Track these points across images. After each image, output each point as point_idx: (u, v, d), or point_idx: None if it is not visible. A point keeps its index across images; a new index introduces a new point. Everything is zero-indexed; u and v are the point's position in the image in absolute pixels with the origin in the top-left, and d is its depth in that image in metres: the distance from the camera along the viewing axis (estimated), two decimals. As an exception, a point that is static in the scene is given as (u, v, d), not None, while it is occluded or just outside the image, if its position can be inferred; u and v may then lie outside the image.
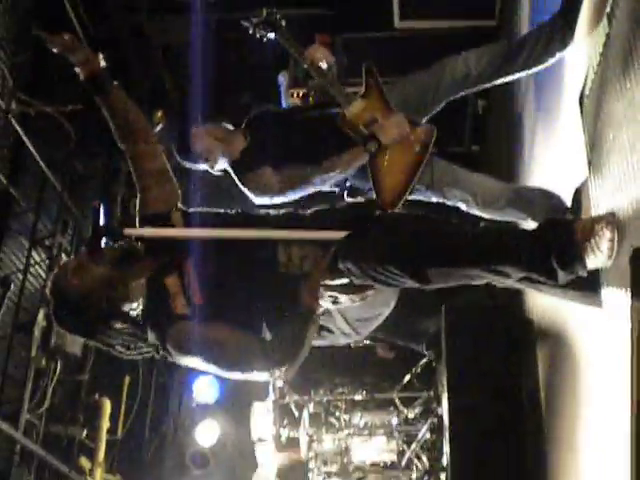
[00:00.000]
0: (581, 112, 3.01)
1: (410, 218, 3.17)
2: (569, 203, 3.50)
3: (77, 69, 3.14)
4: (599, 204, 2.68)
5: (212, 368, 2.89)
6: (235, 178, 3.98)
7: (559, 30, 3.64)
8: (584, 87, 2.96)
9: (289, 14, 6.65)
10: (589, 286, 2.63)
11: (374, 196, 3.79)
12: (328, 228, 2.96)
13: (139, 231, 3.04)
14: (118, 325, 2.90)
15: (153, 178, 3.11)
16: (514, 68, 3.88)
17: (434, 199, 3.92)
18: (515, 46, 3.87)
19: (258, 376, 2.86)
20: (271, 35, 4.03)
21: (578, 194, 3.35)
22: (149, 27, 7.26)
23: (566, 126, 3.70)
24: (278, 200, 3.89)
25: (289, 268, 2.93)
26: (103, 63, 3.14)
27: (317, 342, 3.09)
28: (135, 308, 2.89)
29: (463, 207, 3.88)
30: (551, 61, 3.76)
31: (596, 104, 2.77)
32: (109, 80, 3.16)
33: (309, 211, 3.14)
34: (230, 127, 4.03)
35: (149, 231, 3.03)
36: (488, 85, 4.04)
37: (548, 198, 3.73)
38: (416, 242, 2.72)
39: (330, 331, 3.05)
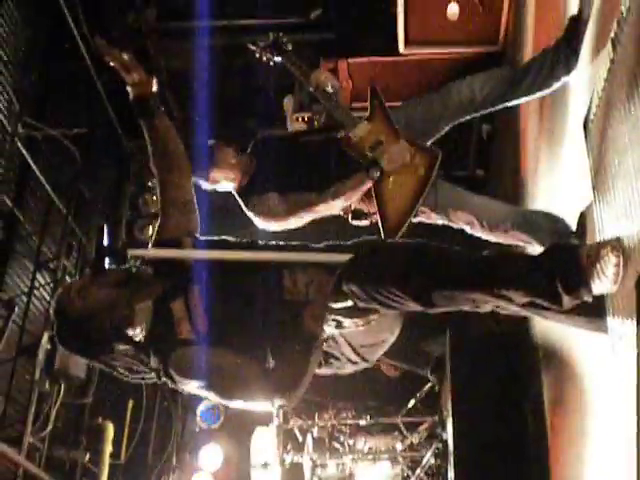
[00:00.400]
0: (586, 137, 3.01)
1: (414, 242, 3.17)
2: (574, 227, 3.50)
3: (128, 88, 3.12)
4: (604, 229, 2.68)
5: (212, 395, 2.88)
6: (240, 202, 3.98)
7: (563, 55, 3.66)
8: (589, 112, 2.96)
9: (293, 39, 6.74)
10: (594, 312, 2.62)
11: (378, 219, 3.79)
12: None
13: (143, 252, 3.04)
14: (121, 347, 2.88)
15: (177, 207, 3.11)
16: (519, 92, 3.90)
17: (439, 222, 3.92)
18: (520, 71, 3.90)
19: (260, 405, 2.85)
20: (278, 59, 4.06)
21: (583, 218, 3.35)
22: (155, 51, 7.29)
23: (571, 150, 3.70)
24: (282, 226, 3.89)
25: (294, 295, 2.92)
26: (155, 87, 3.12)
27: (323, 371, 3.08)
28: (139, 332, 2.87)
29: (467, 229, 3.88)
30: (555, 86, 3.78)
31: (601, 128, 2.77)
32: (157, 105, 3.14)
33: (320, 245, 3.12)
34: (237, 150, 4.04)
35: (152, 252, 3.03)
36: (493, 109, 4.06)
37: (553, 222, 3.72)
38: (420, 265, 2.72)
39: (336, 358, 3.04)
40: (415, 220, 3.81)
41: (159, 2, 7.14)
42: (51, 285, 6.63)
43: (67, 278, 6.67)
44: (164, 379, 2.91)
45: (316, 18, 6.80)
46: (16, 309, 5.92)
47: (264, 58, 4.11)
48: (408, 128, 3.89)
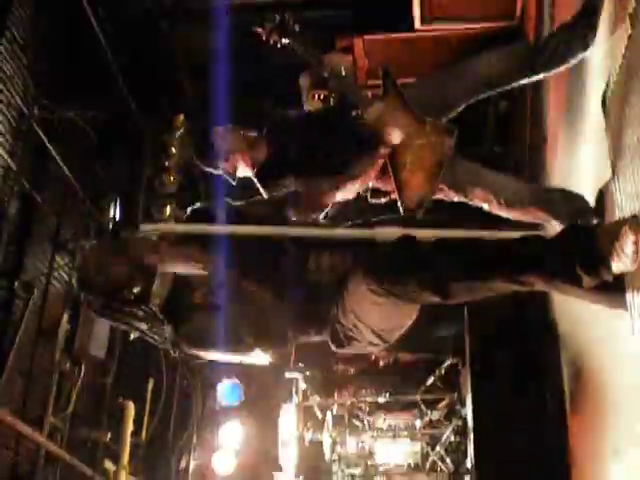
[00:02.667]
0: (604, 113, 2.98)
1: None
2: (592, 204, 3.47)
3: None
4: (623, 206, 2.66)
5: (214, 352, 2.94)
6: (258, 186, 3.96)
7: (581, 31, 3.62)
8: (607, 88, 2.94)
9: (307, 16, 6.70)
10: (614, 289, 2.61)
11: (397, 197, 3.77)
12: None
13: (155, 226, 3.05)
14: (139, 313, 2.94)
15: None
16: (536, 69, 3.87)
17: (456, 199, 3.90)
18: (537, 47, 3.86)
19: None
20: (285, 41, 4.01)
21: (601, 195, 3.32)
22: (171, 32, 7.26)
23: (589, 127, 3.67)
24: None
25: (317, 276, 2.94)
26: None
27: (345, 350, 3.11)
28: (157, 302, 2.92)
29: (485, 207, 3.86)
30: (573, 62, 3.74)
31: (619, 106, 2.74)
32: None
33: None
34: (254, 133, 4.00)
35: (165, 227, 3.04)
36: (509, 86, 4.02)
37: (571, 199, 3.70)
38: (438, 258, 2.71)
39: (358, 341, 3.05)
40: (433, 198, 3.79)
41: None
42: (70, 266, 6.65)
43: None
44: (174, 339, 2.96)
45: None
46: (35, 291, 5.96)
47: (271, 40, 4.06)
48: (423, 107, 3.86)
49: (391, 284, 2.67)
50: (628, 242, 2.36)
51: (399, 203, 3.75)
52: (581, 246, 2.47)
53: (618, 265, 2.42)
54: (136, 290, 2.92)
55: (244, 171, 3.97)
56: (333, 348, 3.11)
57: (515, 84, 4.03)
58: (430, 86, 4.04)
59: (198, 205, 4.07)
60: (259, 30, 4.05)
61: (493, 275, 2.61)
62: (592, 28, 3.55)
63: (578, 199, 3.66)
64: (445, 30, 5.97)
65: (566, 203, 3.68)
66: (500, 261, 2.63)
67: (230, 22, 7.29)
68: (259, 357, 2.96)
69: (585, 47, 3.64)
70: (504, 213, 3.88)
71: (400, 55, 6.19)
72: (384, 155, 3.74)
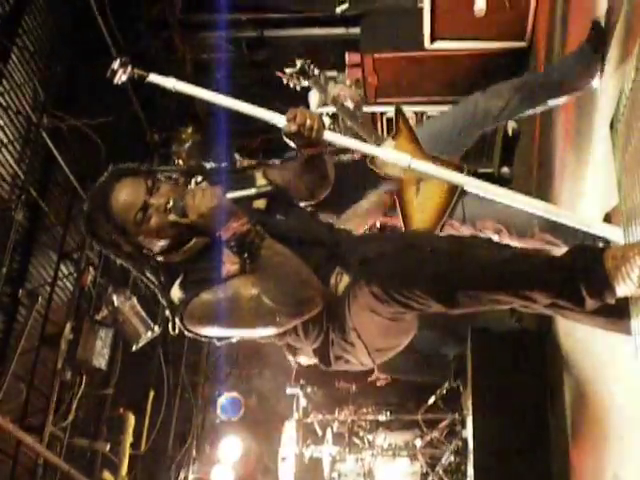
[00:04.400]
0: (612, 137, 2.98)
1: (436, 239, 3.15)
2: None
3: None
4: (630, 231, 2.65)
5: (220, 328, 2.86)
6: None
7: (589, 59, 3.63)
8: (616, 112, 2.93)
9: (318, 33, 6.73)
10: (617, 313, 2.60)
11: None
12: None
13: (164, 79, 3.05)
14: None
15: None
16: (545, 98, 3.88)
17: (466, 232, 3.90)
18: (545, 76, 3.87)
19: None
20: (305, 83, 4.09)
21: (608, 220, 3.32)
22: (180, 43, 7.31)
23: (597, 150, 3.67)
24: None
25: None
26: None
27: (335, 367, 3.08)
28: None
29: (496, 238, 3.86)
30: (581, 90, 3.75)
31: (627, 129, 2.74)
32: None
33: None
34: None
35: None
36: (520, 115, 4.05)
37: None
38: (444, 265, 2.70)
39: (348, 361, 3.03)
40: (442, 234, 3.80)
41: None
42: (74, 275, 6.66)
43: (90, 269, 6.71)
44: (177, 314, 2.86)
45: (342, 12, 6.76)
46: (39, 299, 5.96)
47: (291, 84, 4.15)
48: (435, 142, 3.89)
49: (396, 288, 2.65)
50: (634, 267, 2.35)
51: None
52: (587, 267, 2.46)
53: (623, 289, 2.40)
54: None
55: None
56: (321, 365, 3.09)
57: (526, 113, 4.07)
58: (439, 124, 4.07)
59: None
60: (280, 75, 4.15)
61: (499, 287, 2.59)
62: (600, 56, 3.56)
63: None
64: (455, 50, 5.98)
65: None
66: (507, 274, 2.62)
67: (240, 35, 7.36)
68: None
69: (592, 75, 3.65)
70: (515, 242, 3.89)
71: (409, 73, 6.21)
72: (392, 192, 3.76)
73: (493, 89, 3.93)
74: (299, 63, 4.11)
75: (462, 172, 3.74)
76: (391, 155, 3.06)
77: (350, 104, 4.07)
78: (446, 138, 3.94)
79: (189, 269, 2.84)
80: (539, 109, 4.00)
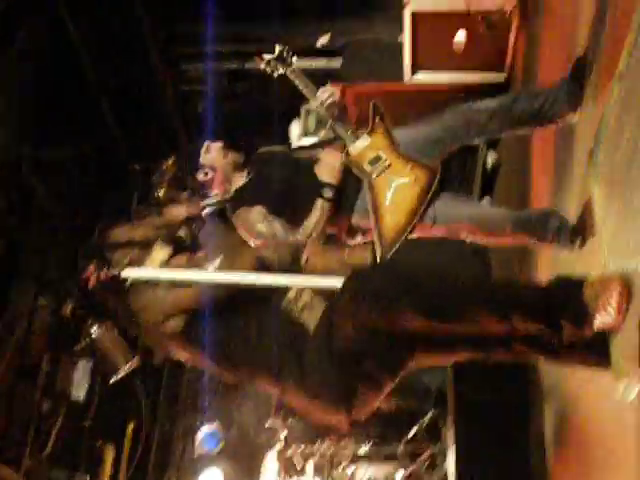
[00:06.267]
0: (590, 169, 3.01)
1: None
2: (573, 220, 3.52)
3: None
4: (609, 264, 2.66)
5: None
6: (228, 208, 3.99)
7: (568, 93, 3.66)
8: (596, 142, 2.96)
9: (298, 65, 6.74)
10: (597, 350, 2.60)
11: (374, 236, 3.77)
12: None
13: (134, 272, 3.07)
14: None
15: None
16: (521, 122, 3.90)
17: (439, 235, 3.89)
18: (529, 104, 3.87)
19: None
20: (282, 71, 4.07)
21: (582, 216, 3.37)
22: (162, 73, 7.32)
23: (577, 181, 3.69)
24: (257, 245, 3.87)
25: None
26: None
27: None
28: None
29: (469, 239, 3.86)
30: (559, 122, 3.78)
31: (608, 160, 2.76)
32: None
33: None
34: (240, 157, 4.09)
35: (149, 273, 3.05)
36: (498, 136, 4.07)
37: (549, 218, 3.69)
38: (427, 282, 2.70)
39: None
40: (413, 236, 3.79)
41: (168, 27, 7.17)
42: (52, 306, 6.62)
43: (68, 300, 6.67)
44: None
45: (323, 45, 6.81)
46: (17, 331, 5.92)
47: (268, 70, 4.12)
48: (411, 147, 3.89)
49: (382, 309, 2.65)
50: (613, 297, 2.36)
51: (376, 241, 3.75)
52: (567, 296, 2.47)
53: (602, 319, 2.41)
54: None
55: (216, 189, 4.03)
56: None
57: (503, 134, 4.10)
58: (421, 128, 4.06)
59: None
60: (258, 60, 4.11)
61: (480, 307, 2.59)
62: (579, 91, 3.59)
63: (555, 218, 3.65)
64: (434, 83, 6.02)
65: (545, 223, 3.68)
66: (488, 295, 2.62)
67: (222, 67, 7.39)
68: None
69: (572, 109, 3.67)
70: (488, 241, 3.91)
71: (390, 105, 6.20)
72: (329, 197, 3.77)
73: (477, 105, 3.93)
74: (278, 49, 4.09)
75: (435, 175, 3.77)
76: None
77: (334, 106, 4.05)
78: (421, 144, 3.94)
79: None
80: (518, 132, 4.04)
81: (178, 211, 3.59)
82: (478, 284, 2.72)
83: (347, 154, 3.87)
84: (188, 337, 2.97)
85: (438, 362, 3.12)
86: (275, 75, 4.09)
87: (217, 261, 3.15)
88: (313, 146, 4.43)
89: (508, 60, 5.74)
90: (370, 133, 3.92)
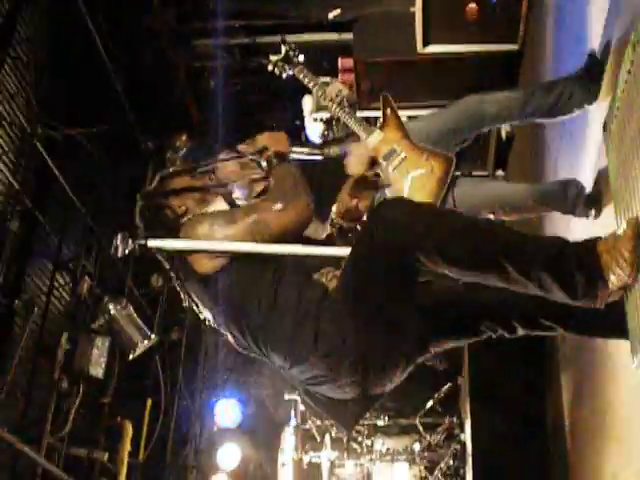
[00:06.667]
0: (606, 139, 2.99)
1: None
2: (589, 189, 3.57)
3: None
4: (620, 218, 2.66)
5: None
6: None
7: (585, 84, 3.64)
8: (609, 113, 2.94)
9: (311, 38, 6.73)
10: (613, 317, 2.60)
11: None
12: None
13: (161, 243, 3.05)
14: None
15: None
16: (538, 116, 3.89)
17: None
18: (543, 97, 3.84)
19: None
20: (290, 72, 4.06)
21: (598, 184, 3.37)
22: (174, 50, 7.31)
23: (591, 153, 3.68)
24: None
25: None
26: None
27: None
28: None
29: (492, 217, 3.87)
30: (577, 113, 3.76)
31: (621, 132, 2.75)
32: None
33: None
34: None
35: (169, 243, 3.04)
36: (512, 123, 4.07)
37: (567, 188, 3.70)
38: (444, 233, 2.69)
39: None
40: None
41: (178, 2, 7.15)
42: (70, 285, 6.66)
43: (86, 278, 6.71)
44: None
45: (334, 19, 6.78)
46: (35, 309, 5.96)
47: (277, 71, 4.12)
48: (426, 139, 3.89)
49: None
50: (625, 256, 2.35)
51: None
52: (580, 257, 2.46)
53: (614, 279, 2.39)
54: None
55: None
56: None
57: (519, 123, 4.10)
58: (435, 119, 4.06)
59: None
60: (265, 62, 4.12)
61: (495, 252, 2.55)
62: (596, 83, 3.56)
63: (573, 186, 3.67)
64: (447, 54, 5.98)
65: (565, 193, 3.69)
66: (504, 241, 2.59)
67: (233, 42, 7.38)
68: None
69: (590, 100, 3.65)
70: (512, 217, 3.92)
71: (402, 78, 6.21)
72: (378, 184, 3.76)
73: (491, 96, 3.91)
74: (284, 49, 4.08)
75: (451, 164, 3.77)
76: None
77: (344, 100, 4.03)
78: (436, 135, 3.93)
79: None
80: (534, 121, 4.03)
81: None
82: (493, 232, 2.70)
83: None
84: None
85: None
86: (284, 76, 4.09)
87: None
88: (336, 141, 4.38)
89: (521, 31, 5.69)
90: (382, 127, 3.91)
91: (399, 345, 2.87)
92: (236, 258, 2.92)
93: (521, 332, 2.90)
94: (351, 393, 2.89)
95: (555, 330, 2.84)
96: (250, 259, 2.92)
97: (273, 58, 4.10)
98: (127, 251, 3.08)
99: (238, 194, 3.19)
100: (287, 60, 4.08)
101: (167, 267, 3.05)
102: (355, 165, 3.74)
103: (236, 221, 2.95)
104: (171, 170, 3.24)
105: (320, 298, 2.83)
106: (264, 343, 2.92)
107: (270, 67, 4.13)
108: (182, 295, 3.09)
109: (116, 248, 3.10)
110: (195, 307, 3.10)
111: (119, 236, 3.12)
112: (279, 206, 2.95)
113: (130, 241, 3.10)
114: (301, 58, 4.07)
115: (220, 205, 3.13)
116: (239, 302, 2.93)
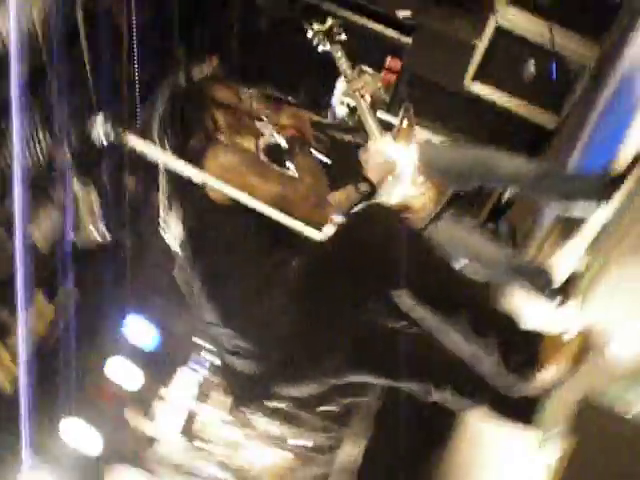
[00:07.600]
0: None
1: None
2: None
3: None
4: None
5: None
6: None
7: (601, 191, 3.61)
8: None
9: (369, 27, 6.66)
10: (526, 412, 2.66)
11: None
12: None
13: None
14: None
15: None
16: (544, 197, 3.89)
17: None
18: (558, 181, 3.83)
19: None
20: (327, 47, 4.00)
21: (570, 281, 3.47)
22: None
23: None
24: None
25: None
26: None
27: None
28: None
29: (462, 263, 3.88)
30: (587, 212, 3.74)
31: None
32: None
33: None
34: None
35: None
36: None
37: (539, 274, 3.72)
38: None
39: None
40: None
41: None
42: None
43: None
44: None
45: (402, 18, 6.74)
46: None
47: (315, 41, 4.04)
48: (440, 170, 3.88)
49: None
50: (564, 356, 2.40)
51: None
52: (527, 339, 2.51)
53: (546, 372, 2.43)
54: None
55: None
56: None
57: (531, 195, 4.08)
58: (459, 153, 4.03)
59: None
60: (306, 27, 4.03)
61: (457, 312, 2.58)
62: (613, 191, 3.55)
63: (544, 275, 3.72)
64: (489, 95, 5.96)
65: (535, 277, 3.74)
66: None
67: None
68: None
69: (599, 204, 3.63)
70: (482, 272, 3.94)
71: (437, 99, 6.22)
72: (361, 192, 3.75)
73: (520, 160, 3.86)
74: (330, 21, 4.03)
75: (444, 195, 3.77)
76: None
77: (367, 95, 4.00)
78: (451, 169, 3.91)
79: None
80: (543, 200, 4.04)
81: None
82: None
83: (363, 149, 3.80)
84: None
85: None
86: (320, 49, 4.01)
87: None
88: (354, 129, 4.31)
89: (566, 109, 5.70)
90: (395, 136, 3.87)
91: (324, 360, 2.84)
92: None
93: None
94: (264, 379, 2.83)
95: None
96: (252, 215, 2.76)
97: (315, 26, 4.03)
98: (104, 139, 2.88)
99: (266, 133, 3.05)
100: (328, 35, 4.01)
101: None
102: (377, 172, 3.65)
103: (267, 180, 2.78)
104: (224, 76, 3.03)
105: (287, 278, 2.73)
106: (210, 293, 2.78)
107: (310, 34, 4.05)
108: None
109: (96, 132, 2.86)
110: (164, 213, 2.90)
111: (99, 118, 2.91)
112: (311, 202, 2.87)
113: (109, 127, 2.90)
114: (343, 37, 4.01)
115: (248, 143, 2.94)
116: (218, 245, 2.77)
